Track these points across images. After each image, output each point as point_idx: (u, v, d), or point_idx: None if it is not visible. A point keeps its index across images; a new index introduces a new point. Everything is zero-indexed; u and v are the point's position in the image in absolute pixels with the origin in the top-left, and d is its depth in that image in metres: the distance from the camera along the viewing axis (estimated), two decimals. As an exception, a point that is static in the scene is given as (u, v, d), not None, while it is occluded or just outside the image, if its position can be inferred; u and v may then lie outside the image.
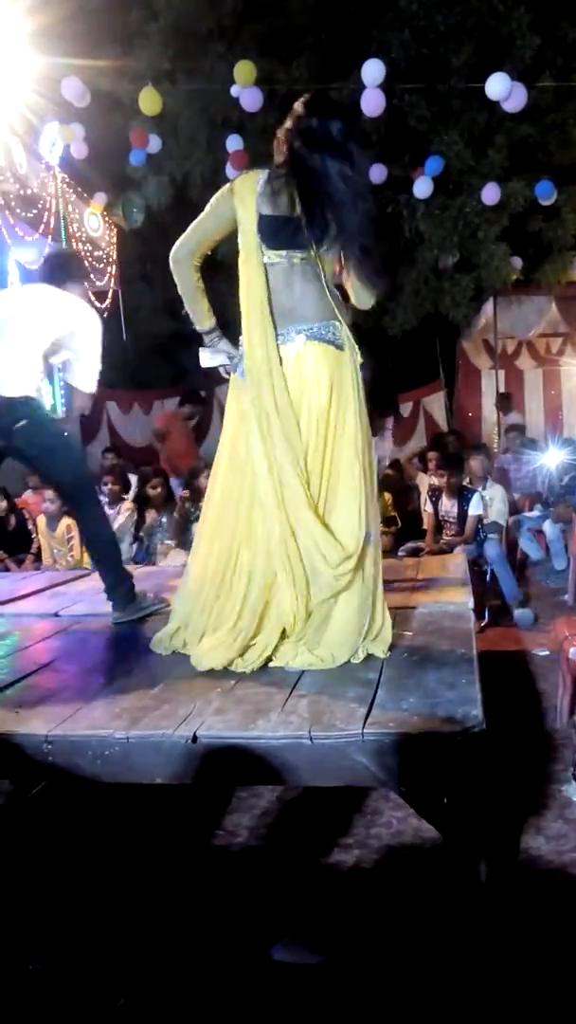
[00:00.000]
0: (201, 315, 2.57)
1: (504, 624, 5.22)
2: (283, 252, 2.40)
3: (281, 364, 2.41)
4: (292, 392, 2.41)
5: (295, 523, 2.36)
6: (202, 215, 2.50)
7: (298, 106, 2.46)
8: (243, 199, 2.41)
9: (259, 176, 2.42)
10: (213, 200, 2.48)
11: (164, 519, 5.74)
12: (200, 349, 2.61)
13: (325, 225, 2.36)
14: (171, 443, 8.11)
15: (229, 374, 2.59)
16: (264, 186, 2.39)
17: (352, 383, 2.44)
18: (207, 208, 2.49)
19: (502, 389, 10.87)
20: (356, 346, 2.48)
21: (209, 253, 2.54)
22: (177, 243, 2.51)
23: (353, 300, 2.55)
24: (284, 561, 2.36)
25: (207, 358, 2.61)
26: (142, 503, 5.90)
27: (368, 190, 2.46)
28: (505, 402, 11.04)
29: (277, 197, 2.38)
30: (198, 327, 2.60)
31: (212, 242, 2.51)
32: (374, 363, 2.58)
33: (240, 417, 2.49)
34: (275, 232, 2.39)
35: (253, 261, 2.42)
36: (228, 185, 2.47)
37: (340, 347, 2.43)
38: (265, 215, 2.39)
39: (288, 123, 2.46)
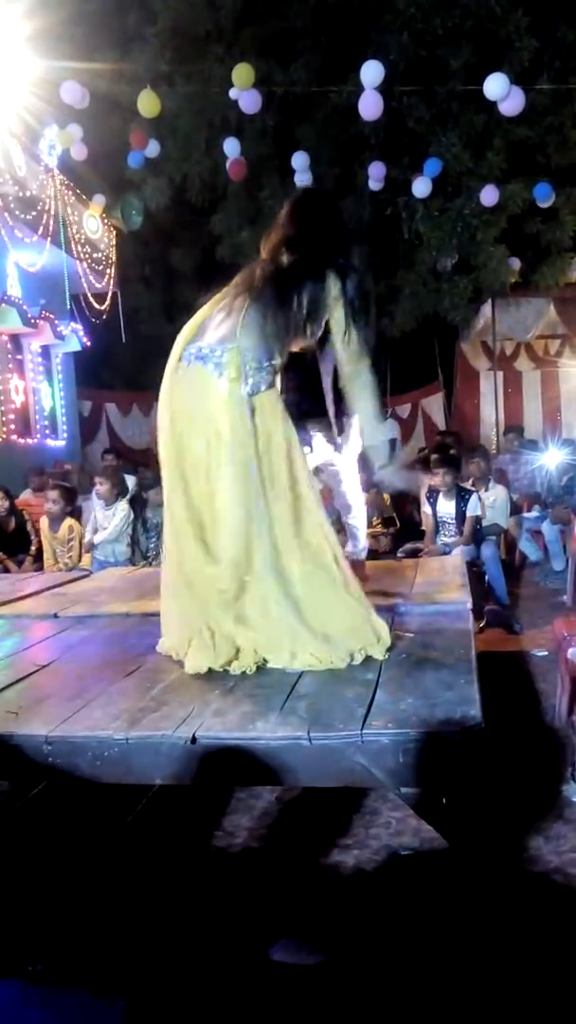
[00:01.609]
0: None
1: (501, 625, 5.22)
2: None
3: (171, 385, 2.43)
4: (172, 412, 2.42)
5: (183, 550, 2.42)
6: None
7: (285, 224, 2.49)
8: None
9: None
10: None
11: (157, 520, 5.75)
12: None
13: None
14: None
15: None
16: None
17: (225, 409, 2.33)
18: None
19: (500, 391, 10.89)
20: (253, 374, 2.34)
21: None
22: None
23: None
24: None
25: None
26: (141, 505, 5.91)
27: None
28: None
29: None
30: None
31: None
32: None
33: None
34: None
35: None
36: None
37: (220, 373, 2.33)
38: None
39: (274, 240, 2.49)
